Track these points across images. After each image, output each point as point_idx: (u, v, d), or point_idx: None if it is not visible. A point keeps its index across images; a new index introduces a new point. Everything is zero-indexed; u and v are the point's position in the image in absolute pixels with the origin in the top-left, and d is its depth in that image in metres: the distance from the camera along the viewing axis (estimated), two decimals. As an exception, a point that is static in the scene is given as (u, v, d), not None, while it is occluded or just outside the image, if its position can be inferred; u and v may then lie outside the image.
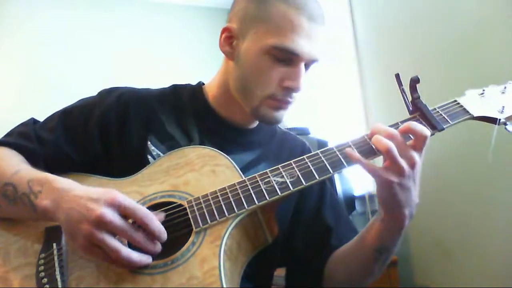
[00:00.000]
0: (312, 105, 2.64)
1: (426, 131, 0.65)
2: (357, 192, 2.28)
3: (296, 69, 0.76)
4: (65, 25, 2.96)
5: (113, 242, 0.58)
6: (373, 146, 0.67)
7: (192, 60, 3.19)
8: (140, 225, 0.61)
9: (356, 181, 2.26)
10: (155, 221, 0.61)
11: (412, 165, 0.64)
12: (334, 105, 2.59)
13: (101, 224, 0.58)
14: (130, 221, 0.62)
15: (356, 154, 0.66)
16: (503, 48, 1.54)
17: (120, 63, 2.96)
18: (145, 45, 3.12)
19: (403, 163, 0.63)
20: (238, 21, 0.80)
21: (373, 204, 2.28)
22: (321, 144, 2.08)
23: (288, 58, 0.75)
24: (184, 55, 3.23)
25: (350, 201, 2.13)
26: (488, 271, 1.64)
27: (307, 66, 0.79)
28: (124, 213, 0.60)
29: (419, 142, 0.65)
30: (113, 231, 0.59)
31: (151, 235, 0.62)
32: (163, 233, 0.62)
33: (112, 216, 0.58)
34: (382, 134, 0.65)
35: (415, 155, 0.64)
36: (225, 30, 0.81)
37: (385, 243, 0.72)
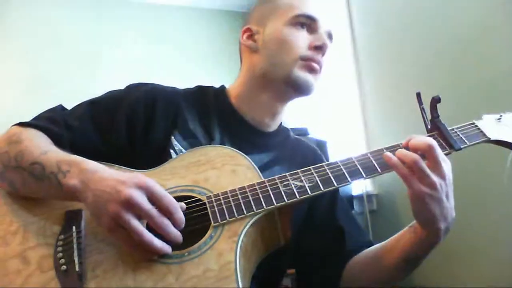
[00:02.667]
0: (311, 106, 2.67)
1: (427, 140, 0.66)
2: (355, 192, 2.29)
3: (319, 33, 0.87)
4: (68, 26, 3.01)
5: (138, 225, 0.59)
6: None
7: (195, 63, 3.24)
8: (164, 212, 0.62)
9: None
10: (179, 210, 0.63)
11: (442, 177, 0.65)
12: (332, 106, 2.63)
13: (129, 205, 0.58)
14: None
15: (394, 158, 0.67)
16: (503, 50, 1.56)
17: (123, 64, 3.00)
18: (147, 46, 3.17)
19: (432, 175, 0.64)
20: (255, 21, 0.92)
21: (371, 204, 2.29)
22: (320, 144, 2.13)
23: (309, 27, 0.86)
24: (184, 57, 3.27)
25: (348, 200, 2.15)
26: (487, 271, 1.64)
27: None
28: (152, 197, 0.61)
29: (429, 153, 0.66)
30: (139, 214, 0.60)
31: (173, 224, 0.62)
32: (183, 224, 0.64)
33: (140, 198, 0.59)
34: (410, 148, 0.67)
35: (444, 167, 0.65)
36: (245, 30, 0.91)
37: (415, 254, 0.73)
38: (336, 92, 2.58)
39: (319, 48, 0.84)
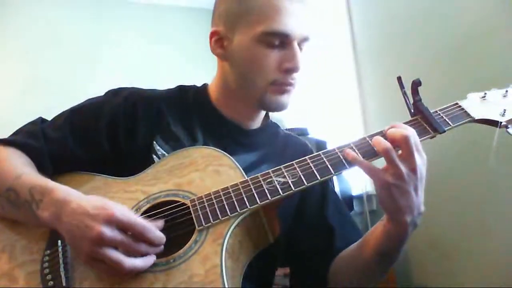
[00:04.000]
0: (310, 106, 2.66)
1: (404, 130, 0.64)
2: (355, 192, 2.27)
3: (291, 50, 0.77)
4: (68, 26, 3.01)
5: (115, 256, 0.59)
6: (375, 148, 0.68)
7: (194, 63, 3.22)
8: (140, 237, 0.62)
9: (354, 180, 2.25)
10: (153, 230, 0.63)
11: (412, 169, 0.63)
12: (332, 106, 2.61)
13: (101, 241, 0.59)
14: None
15: (352, 153, 0.67)
16: (503, 50, 1.54)
17: (122, 64, 3.00)
18: (147, 46, 3.16)
19: (401, 166, 0.63)
20: (223, 23, 0.82)
21: (371, 204, 2.27)
22: (320, 144, 2.10)
23: (280, 41, 0.77)
24: (184, 57, 3.26)
25: (348, 200, 2.12)
26: (484, 271, 1.63)
27: (300, 46, 0.80)
28: (123, 228, 0.61)
29: (403, 144, 0.64)
30: (114, 246, 0.60)
31: (151, 244, 0.63)
32: (163, 240, 0.64)
33: (111, 233, 0.59)
34: (389, 135, 0.66)
35: (416, 160, 0.63)
36: (213, 34, 0.83)
37: (386, 248, 0.71)
38: (336, 92, 2.55)
39: (291, 70, 0.78)
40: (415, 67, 1.93)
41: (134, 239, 0.61)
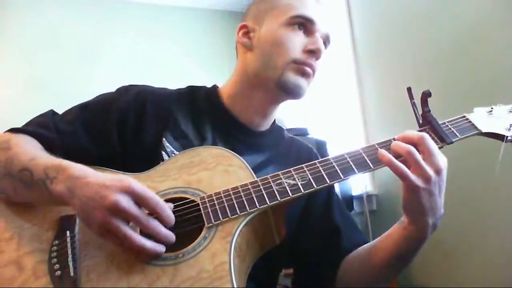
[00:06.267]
0: (311, 106, 2.68)
1: (418, 133, 0.67)
2: (355, 192, 2.28)
3: (315, 37, 0.84)
4: (68, 26, 3.01)
5: (127, 230, 0.59)
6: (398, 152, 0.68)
7: (195, 63, 3.24)
8: (152, 213, 0.62)
9: (354, 181, 2.27)
10: (167, 209, 0.63)
11: (438, 171, 0.64)
12: (332, 106, 2.64)
13: (115, 210, 0.58)
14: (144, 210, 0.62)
15: (386, 154, 0.66)
16: (502, 50, 1.56)
17: (122, 64, 3.01)
18: (147, 46, 3.17)
19: (428, 168, 0.64)
20: (252, 17, 0.90)
21: (371, 204, 2.28)
22: (320, 144, 2.13)
23: (306, 27, 0.84)
24: (184, 57, 3.28)
25: (348, 201, 2.14)
26: (485, 271, 1.65)
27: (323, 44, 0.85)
28: (137, 199, 0.60)
29: (422, 144, 0.66)
30: (127, 218, 0.60)
31: (162, 223, 0.62)
32: (173, 221, 0.64)
33: (126, 203, 0.58)
34: (402, 141, 0.67)
35: (440, 161, 0.65)
36: (242, 27, 0.90)
37: (404, 251, 0.72)
38: (336, 92, 2.58)
39: (313, 53, 0.82)
40: (415, 67, 1.95)
41: (148, 215, 0.61)
